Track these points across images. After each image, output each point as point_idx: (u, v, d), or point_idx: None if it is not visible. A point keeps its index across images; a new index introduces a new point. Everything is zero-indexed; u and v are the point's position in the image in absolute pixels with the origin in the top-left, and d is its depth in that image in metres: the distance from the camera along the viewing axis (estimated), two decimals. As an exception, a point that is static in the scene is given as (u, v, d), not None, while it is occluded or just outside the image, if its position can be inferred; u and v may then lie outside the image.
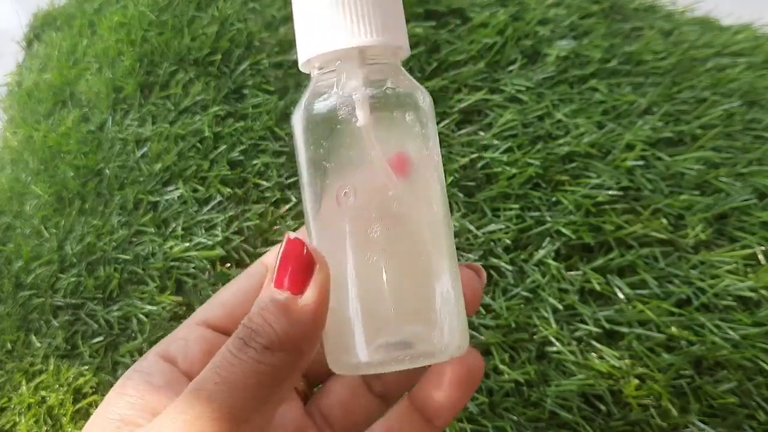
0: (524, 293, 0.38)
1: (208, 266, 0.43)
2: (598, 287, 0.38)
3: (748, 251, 0.39)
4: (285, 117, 0.48)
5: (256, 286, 0.22)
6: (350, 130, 0.19)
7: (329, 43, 0.19)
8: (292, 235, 0.18)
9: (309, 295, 0.17)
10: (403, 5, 0.20)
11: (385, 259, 0.19)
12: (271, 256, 0.23)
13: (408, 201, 0.20)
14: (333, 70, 0.20)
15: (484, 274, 0.21)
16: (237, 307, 0.22)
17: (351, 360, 0.19)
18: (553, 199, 0.41)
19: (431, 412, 0.20)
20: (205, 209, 0.45)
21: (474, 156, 0.43)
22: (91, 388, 0.42)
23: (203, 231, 0.45)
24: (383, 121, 0.19)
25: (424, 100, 0.20)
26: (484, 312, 0.38)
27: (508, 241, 0.40)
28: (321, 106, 0.19)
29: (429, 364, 0.20)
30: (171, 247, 0.44)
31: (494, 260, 0.39)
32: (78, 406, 0.41)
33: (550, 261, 0.39)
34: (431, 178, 0.20)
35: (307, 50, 0.19)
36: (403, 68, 0.21)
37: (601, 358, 0.36)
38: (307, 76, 0.21)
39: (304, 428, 0.22)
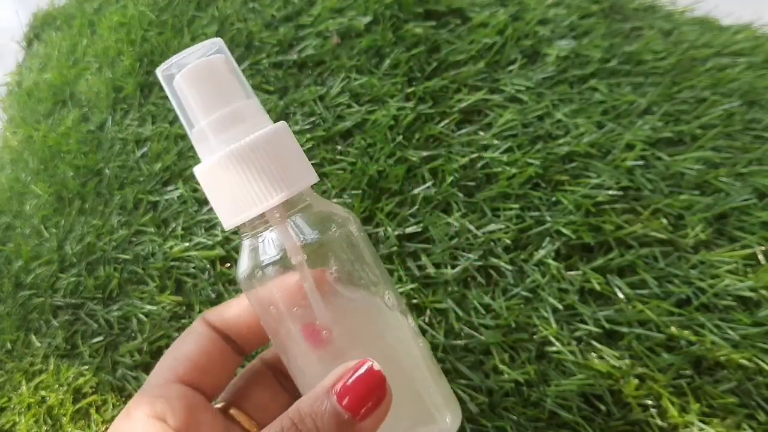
0: (524, 293, 0.38)
1: (208, 266, 0.43)
2: (597, 287, 0.38)
3: (748, 251, 0.39)
4: (285, 117, 0.48)
5: (214, 343, 0.24)
6: (293, 280, 0.20)
7: (250, 210, 0.20)
8: (376, 366, 0.18)
9: (368, 425, 0.17)
10: (298, 144, 0.21)
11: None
12: (215, 313, 0.25)
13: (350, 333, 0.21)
14: (259, 231, 0.21)
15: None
16: (200, 361, 0.23)
17: None
18: (553, 199, 0.41)
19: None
20: (205, 209, 0.45)
21: (474, 156, 0.43)
22: (91, 387, 0.42)
23: (203, 231, 0.45)
24: (318, 256, 0.20)
25: (350, 225, 0.21)
26: (484, 312, 0.38)
27: (508, 241, 0.40)
28: (258, 271, 0.21)
29: None
30: (171, 247, 0.44)
31: (494, 260, 0.39)
32: (78, 405, 0.41)
33: (550, 261, 0.39)
34: (368, 305, 0.21)
35: (230, 217, 0.21)
36: (319, 197, 0.22)
37: (600, 357, 0.36)
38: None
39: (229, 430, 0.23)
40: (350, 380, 0.18)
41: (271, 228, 0.21)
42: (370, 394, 0.17)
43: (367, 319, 0.21)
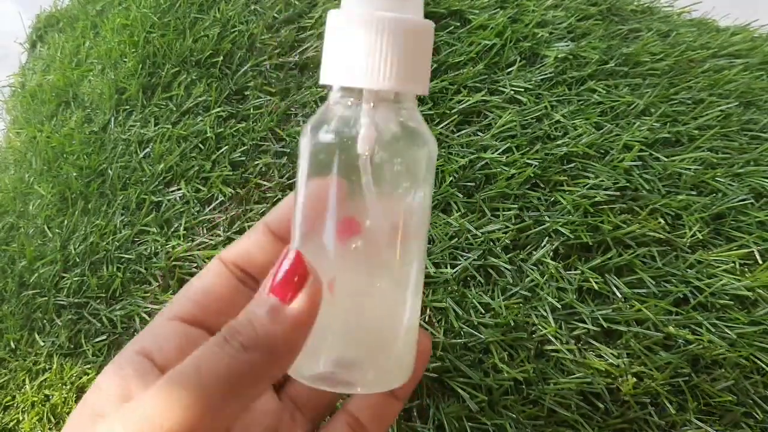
0: (523, 292, 0.39)
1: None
2: (596, 286, 0.38)
3: (745, 251, 0.39)
4: (286, 118, 0.49)
5: (221, 280, 0.23)
6: (352, 160, 0.20)
7: (358, 78, 0.20)
8: (290, 246, 0.19)
9: (296, 305, 0.18)
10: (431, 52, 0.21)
11: (356, 285, 0.20)
12: (230, 251, 0.24)
13: (382, 237, 0.21)
14: (353, 102, 0.21)
15: (431, 340, 0.23)
16: (205, 300, 0.23)
17: (301, 369, 0.20)
18: (552, 199, 0.42)
19: (396, 389, 0.22)
20: (207, 209, 0.46)
21: (473, 156, 0.44)
22: (94, 386, 0.42)
23: (205, 231, 0.45)
24: (385, 158, 0.20)
25: (430, 147, 0.21)
26: (483, 311, 0.38)
27: (506, 241, 0.40)
28: (331, 133, 0.20)
29: (369, 393, 0.21)
30: (173, 247, 0.45)
31: (493, 260, 0.40)
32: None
33: (549, 260, 0.39)
34: (409, 224, 0.21)
35: (333, 75, 0.20)
36: (419, 112, 0.22)
37: (599, 356, 0.37)
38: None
39: (280, 413, 0.23)
40: (278, 274, 0.18)
41: (360, 106, 0.20)
42: (292, 275, 0.18)
43: (392, 241, 0.20)
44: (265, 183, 0.46)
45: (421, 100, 0.47)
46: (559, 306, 0.38)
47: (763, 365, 0.36)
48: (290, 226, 0.22)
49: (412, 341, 0.21)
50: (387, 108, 0.20)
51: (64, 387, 0.42)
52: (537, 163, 0.42)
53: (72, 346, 0.44)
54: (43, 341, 0.45)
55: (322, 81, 0.21)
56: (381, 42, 0.19)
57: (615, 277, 0.39)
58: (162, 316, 0.23)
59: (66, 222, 0.49)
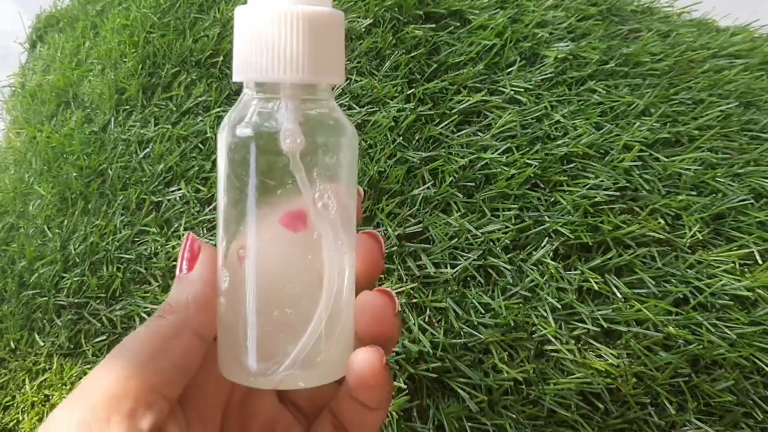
0: (523, 292, 0.39)
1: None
2: (596, 286, 0.38)
3: (745, 251, 0.39)
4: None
5: None
6: (274, 157, 0.20)
7: (271, 72, 0.20)
8: (188, 232, 0.22)
9: (195, 270, 0.21)
10: (343, 39, 0.21)
11: (283, 282, 0.21)
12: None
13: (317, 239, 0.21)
14: (268, 96, 0.20)
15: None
16: None
17: (238, 370, 0.21)
18: (552, 199, 0.42)
19: (363, 402, 0.22)
20: (207, 209, 0.46)
21: (473, 157, 0.44)
22: (94, 386, 0.42)
23: (205, 231, 0.45)
24: (308, 150, 0.20)
25: (348, 136, 0.21)
26: (483, 311, 0.38)
27: (507, 241, 0.40)
28: (249, 129, 0.20)
29: (308, 387, 0.21)
30: (173, 247, 0.45)
31: (493, 260, 0.40)
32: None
33: (549, 260, 0.39)
34: (340, 217, 0.21)
35: (247, 70, 0.20)
36: (335, 103, 0.22)
37: (599, 356, 0.37)
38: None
39: (278, 414, 0.24)
40: (182, 256, 0.22)
41: (277, 101, 0.20)
42: (189, 252, 0.22)
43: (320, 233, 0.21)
44: (265, 183, 0.46)
45: (420, 101, 0.47)
46: (559, 306, 0.38)
47: (763, 365, 0.36)
48: None
49: (349, 336, 0.21)
50: (304, 101, 0.20)
51: (64, 387, 0.42)
52: (537, 163, 0.42)
53: (72, 346, 0.44)
54: (43, 341, 0.45)
55: (236, 78, 0.21)
56: (291, 34, 0.19)
57: (615, 277, 0.39)
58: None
59: (66, 222, 0.49)
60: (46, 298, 0.46)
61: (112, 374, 0.19)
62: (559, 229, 0.40)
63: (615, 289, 0.38)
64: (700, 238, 0.40)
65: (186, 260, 0.21)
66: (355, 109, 0.47)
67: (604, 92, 0.46)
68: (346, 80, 0.49)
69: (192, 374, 0.21)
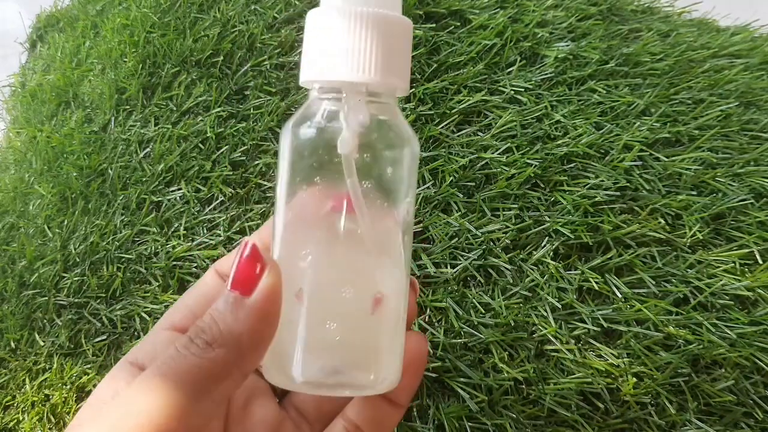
0: (523, 292, 0.39)
1: (210, 266, 0.43)
2: (596, 286, 0.38)
3: (745, 251, 0.39)
4: (287, 118, 0.49)
5: (216, 290, 0.23)
6: (334, 157, 0.19)
7: (339, 72, 0.19)
8: (248, 239, 0.18)
9: (255, 296, 0.18)
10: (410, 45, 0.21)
11: (340, 290, 0.20)
12: (225, 262, 0.24)
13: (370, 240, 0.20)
14: (334, 97, 0.20)
15: (417, 286, 0.23)
16: (198, 308, 0.23)
17: (286, 375, 0.20)
18: (552, 199, 0.42)
19: (391, 395, 0.22)
20: (208, 209, 0.46)
21: (473, 156, 0.44)
22: (95, 386, 0.42)
23: (205, 231, 0.45)
24: (367, 155, 0.20)
25: (412, 146, 0.21)
26: (483, 311, 0.38)
27: (507, 241, 0.40)
28: (313, 129, 0.20)
29: (356, 396, 0.21)
30: (173, 247, 0.45)
31: (493, 260, 0.40)
32: (81, 404, 0.42)
33: (549, 260, 0.39)
34: (394, 228, 0.21)
35: (313, 72, 0.20)
36: (399, 110, 0.21)
37: (599, 356, 0.37)
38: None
39: (281, 422, 0.23)
40: (233, 265, 0.18)
41: (340, 104, 0.20)
42: (248, 267, 0.18)
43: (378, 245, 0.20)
44: (265, 183, 0.46)
45: (420, 100, 0.47)
46: (559, 306, 0.38)
47: (763, 365, 0.36)
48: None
49: (400, 345, 0.21)
50: (368, 105, 0.20)
51: (64, 387, 0.42)
52: (537, 163, 0.42)
53: (72, 346, 0.44)
54: (43, 341, 0.45)
55: (303, 80, 0.20)
56: (362, 36, 0.19)
57: (615, 277, 0.39)
58: (157, 327, 0.23)
59: (66, 222, 0.49)
60: (46, 298, 0.46)
61: (146, 411, 0.16)
62: (559, 228, 0.40)
63: (615, 289, 0.38)
64: (701, 237, 0.40)
65: (246, 277, 0.18)
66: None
67: (604, 92, 0.46)
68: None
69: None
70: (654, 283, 0.38)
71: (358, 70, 0.19)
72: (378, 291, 0.20)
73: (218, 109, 0.49)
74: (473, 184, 0.43)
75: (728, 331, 0.36)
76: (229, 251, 0.44)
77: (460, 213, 0.42)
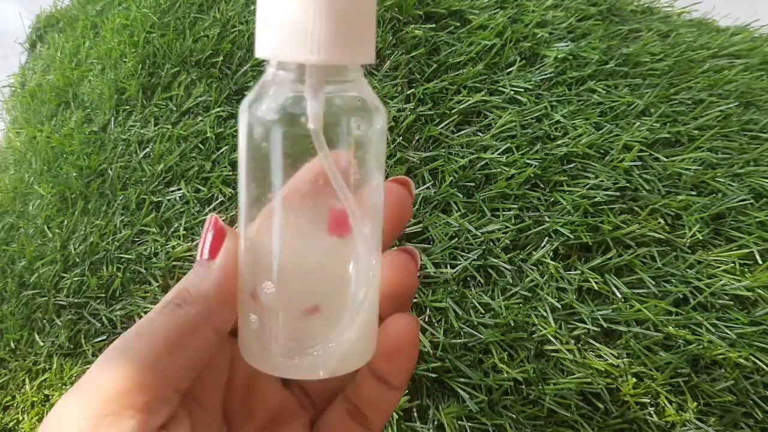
0: (523, 292, 0.39)
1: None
2: (596, 286, 0.38)
3: (745, 251, 0.39)
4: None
5: None
6: (299, 135, 0.19)
7: (297, 52, 0.18)
8: (213, 215, 0.21)
9: (219, 258, 0.20)
10: (375, 15, 0.20)
11: (310, 270, 0.20)
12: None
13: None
14: (294, 73, 0.19)
15: (418, 257, 0.23)
16: None
17: (261, 358, 0.20)
18: (552, 199, 0.42)
19: (387, 377, 0.22)
20: (207, 209, 0.46)
21: (473, 157, 0.44)
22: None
23: (205, 231, 0.45)
24: (333, 128, 0.19)
25: (382, 117, 0.20)
26: (483, 311, 0.38)
27: (507, 241, 0.40)
28: (273, 106, 0.19)
29: (332, 377, 0.21)
30: (173, 247, 0.45)
31: (493, 260, 0.40)
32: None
33: (549, 260, 0.39)
34: (369, 203, 0.20)
35: (269, 49, 0.19)
36: (366, 81, 0.21)
37: (599, 356, 0.37)
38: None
39: (285, 400, 0.23)
40: (203, 240, 0.20)
41: (298, 79, 0.19)
42: (212, 236, 0.20)
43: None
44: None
45: (420, 101, 0.47)
46: (559, 306, 0.38)
47: (763, 365, 0.36)
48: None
49: (373, 323, 0.21)
50: (331, 81, 0.19)
51: (64, 387, 0.42)
52: (537, 163, 0.42)
53: (72, 346, 0.44)
54: (43, 341, 0.45)
55: (257, 55, 0.19)
56: (318, 10, 0.18)
57: (615, 277, 0.39)
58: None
59: (66, 222, 0.49)
60: (46, 298, 0.46)
61: (124, 366, 0.18)
62: (559, 229, 0.40)
63: (615, 289, 0.38)
64: (700, 238, 0.40)
65: (209, 244, 0.20)
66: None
67: (604, 92, 0.46)
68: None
69: (204, 368, 0.20)
70: (654, 283, 0.38)
71: (318, 51, 0.18)
72: (346, 257, 0.20)
73: (218, 110, 0.49)
74: (473, 184, 0.43)
75: (728, 331, 0.36)
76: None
77: (459, 213, 0.42)
